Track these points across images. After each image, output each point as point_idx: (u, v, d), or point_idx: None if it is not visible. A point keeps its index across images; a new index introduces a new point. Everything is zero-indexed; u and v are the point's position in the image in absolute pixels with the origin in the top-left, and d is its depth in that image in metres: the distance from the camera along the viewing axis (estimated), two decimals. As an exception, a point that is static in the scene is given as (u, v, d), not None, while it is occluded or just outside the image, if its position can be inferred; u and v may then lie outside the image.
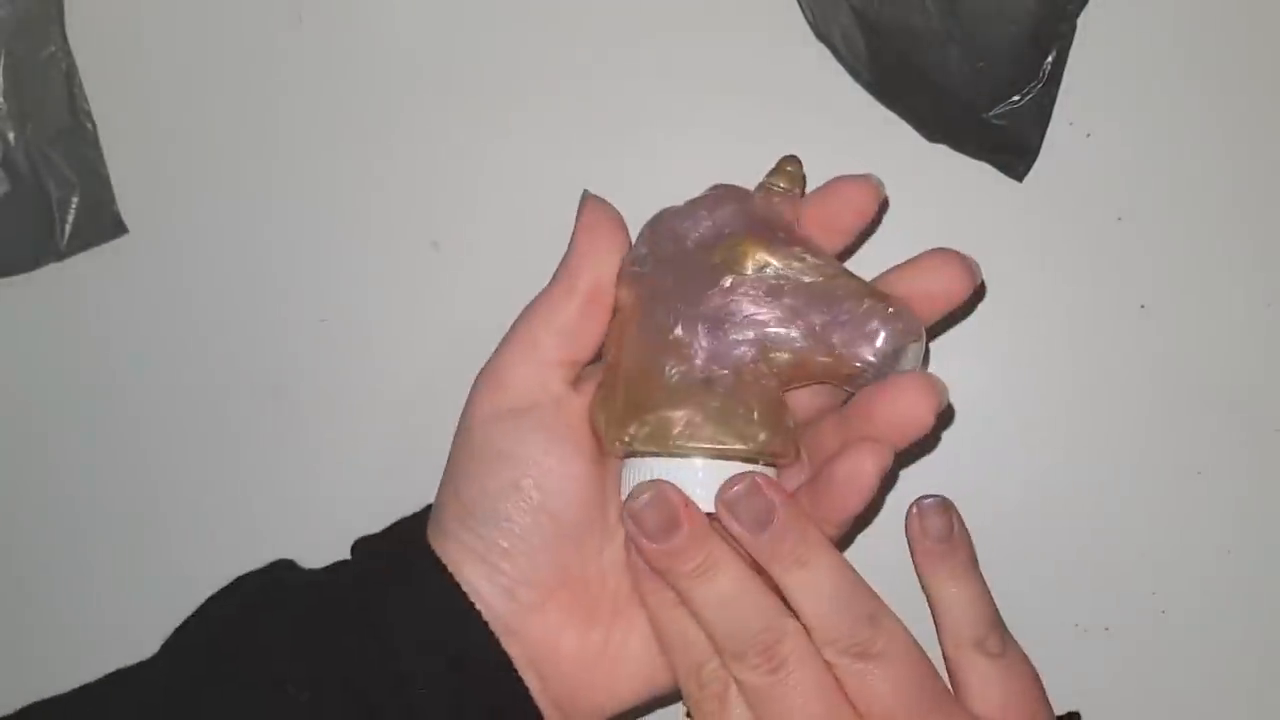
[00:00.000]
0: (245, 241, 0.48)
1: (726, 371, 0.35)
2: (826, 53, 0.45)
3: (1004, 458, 0.47)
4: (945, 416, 0.36)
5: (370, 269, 0.48)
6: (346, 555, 0.39)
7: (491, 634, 0.35)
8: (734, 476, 0.34)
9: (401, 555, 0.37)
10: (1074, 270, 0.46)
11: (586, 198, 0.38)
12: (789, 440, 0.35)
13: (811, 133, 0.46)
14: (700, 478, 0.34)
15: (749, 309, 0.35)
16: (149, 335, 0.49)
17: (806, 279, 0.35)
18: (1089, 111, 0.45)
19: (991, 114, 0.42)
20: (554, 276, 0.37)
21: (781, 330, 0.35)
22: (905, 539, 0.38)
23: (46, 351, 0.49)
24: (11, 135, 0.47)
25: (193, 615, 0.39)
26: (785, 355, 0.35)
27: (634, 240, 0.37)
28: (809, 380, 0.36)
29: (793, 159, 0.38)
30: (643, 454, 0.35)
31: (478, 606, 0.36)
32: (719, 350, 0.35)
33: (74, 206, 0.47)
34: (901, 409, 0.34)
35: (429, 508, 0.39)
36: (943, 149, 0.45)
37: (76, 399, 0.49)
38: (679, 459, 0.35)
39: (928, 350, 0.36)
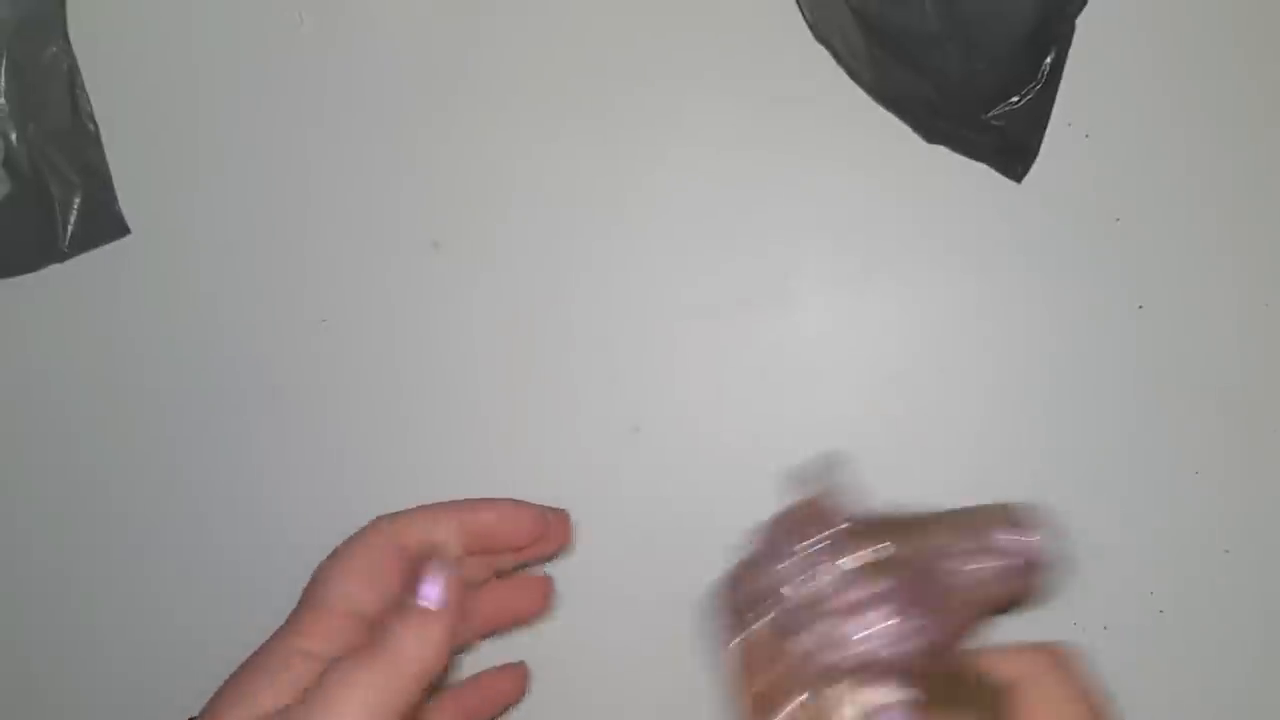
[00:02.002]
0: (246, 241, 0.48)
1: (917, 658, 0.33)
2: (826, 53, 0.45)
3: (1003, 457, 0.47)
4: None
5: (370, 269, 0.48)
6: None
7: None
8: None
9: None
10: (1072, 271, 0.46)
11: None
12: (993, 685, 0.34)
13: (811, 133, 0.46)
14: None
15: (918, 597, 0.33)
16: (150, 335, 0.49)
17: (924, 543, 0.34)
18: (1087, 112, 0.45)
19: (990, 115, 0.43)
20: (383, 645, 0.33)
21: (958, 580, 0.34)
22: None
23: (49, 352, 0.49)
24: (14, 136, 0.47)
25: None
26: (968, 602, 0.34)
27: (731, 602, 0.35)
28: (979, 618, 0.35)
29: (817, 464, 0.36)
30: None
31: None
32: (914, 643, 0.33)
33: (76, 207, 0.48)
34: None
35: None
36: (941, 150, 0.45)
37: (78, 399, 0.49)
38: None
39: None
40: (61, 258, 0.48)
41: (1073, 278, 0.46)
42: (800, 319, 0.47)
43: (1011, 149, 0.44)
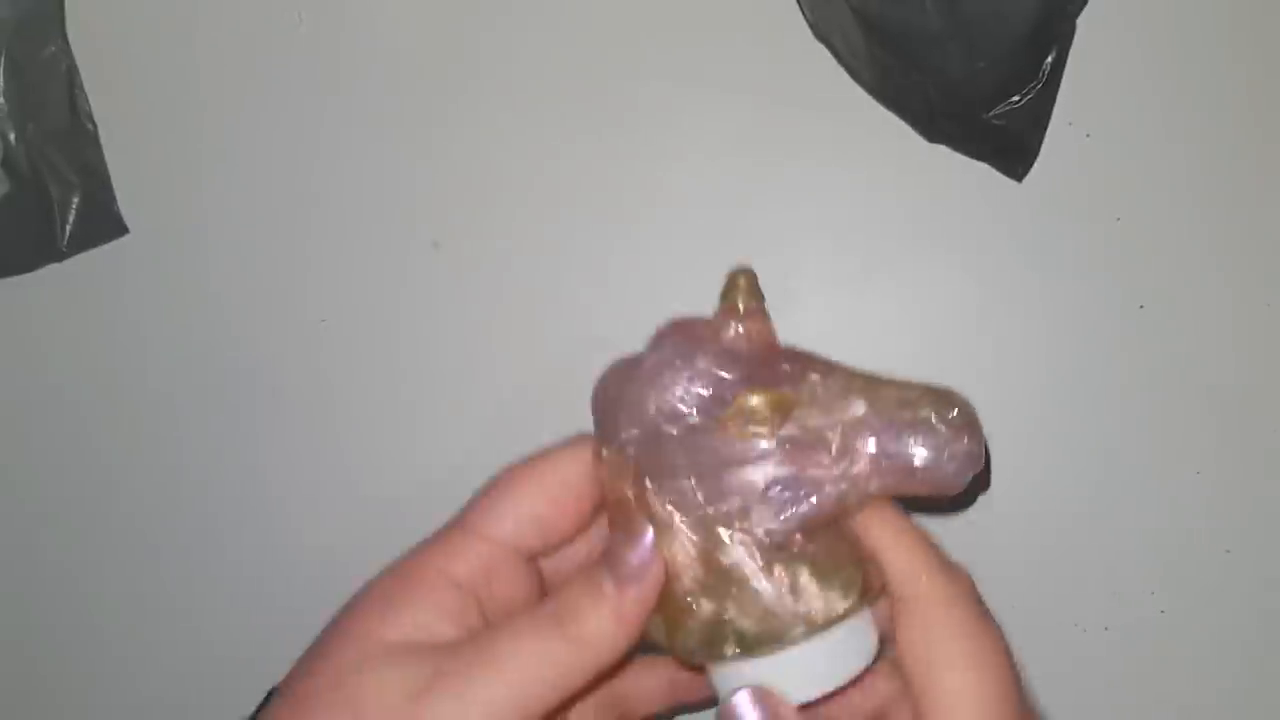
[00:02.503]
0: (245, 241, 0.48)
1: (795, 533, 0.31)
2: (826, 53, 0.45)
3: (1004, 457, 0.47)
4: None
5: (370, 269, 0.48)
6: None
7: None
8: None
9: None
10: (1073, 270, 0.46)
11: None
12: (873, 572, 0.32)
13: (811, 133, 0.46)
14: (805, 662, 0.31)
15: (802, 465, 0.31)
16: (149, 335, 0.49)
17: (840, 410, 0.31)
18: (1088, 112, 0.45)
19: (991, 114, 0.42)
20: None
21: (851, 475, 0.31)
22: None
23: (47, 351, 0.49)
24: (12, 135, 0.47)
25: None
26: (859, 493, 0.31)
27: (603, 407, 0.33)
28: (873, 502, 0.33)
29: (746, 272, 0.33)
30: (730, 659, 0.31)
31: None
32: (781, 514, 0.31)
33: (75, 207, 0.47)
34: None
35: None
36: (942, 149, 0.45)
37: (77, 399, 0.49)
38: (778, 653, 0.30)
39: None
40: (60, 257, 0.48)
41: (1073, 277, 0.46)
42: (800, 319, 0.47)
43: (1012, 148, 0.44)
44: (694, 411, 0.31)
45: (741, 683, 0.31)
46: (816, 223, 0.47)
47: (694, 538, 0.31)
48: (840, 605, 0.31)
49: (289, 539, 0.48)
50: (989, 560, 0.47)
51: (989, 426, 0.46)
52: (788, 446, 0.31)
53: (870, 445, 0.31)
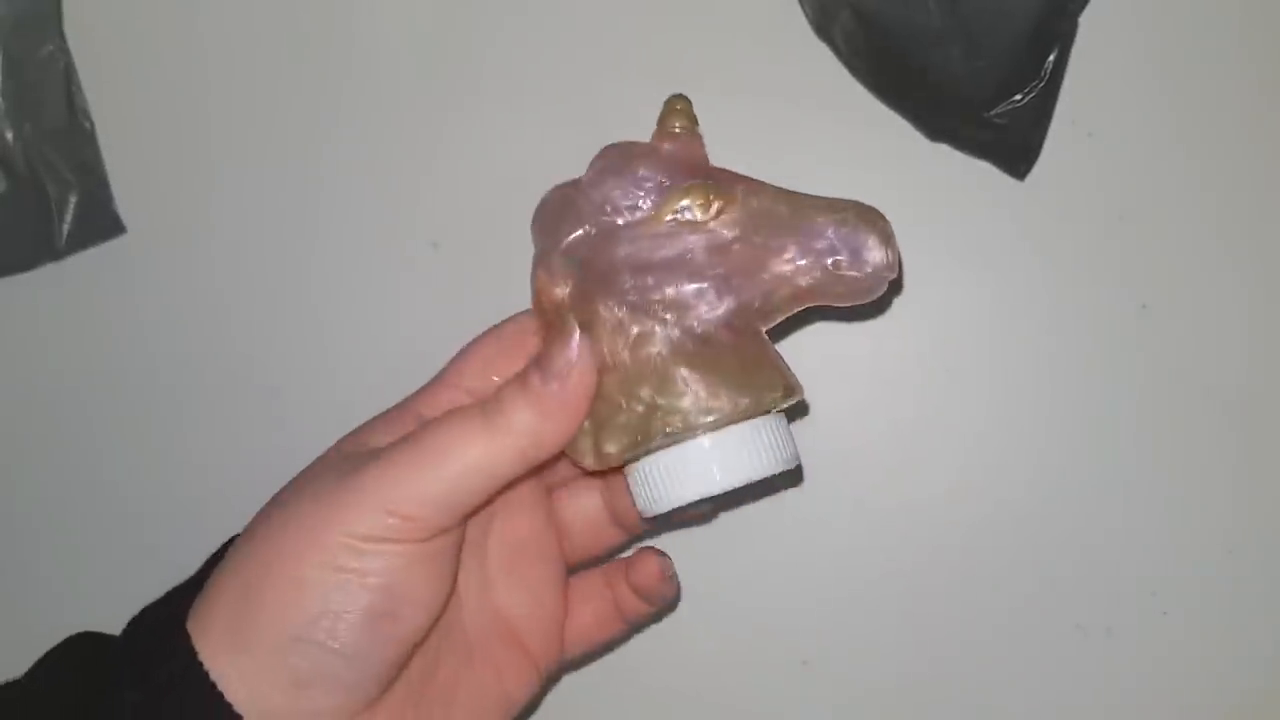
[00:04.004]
0: (244, 241, 0.48)
1: (723, 328, 0.33)
2: (826, 52, 0.45)
3: (1004, 457, 0.47)
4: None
5: (370, 269, 0.48)
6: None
7: None
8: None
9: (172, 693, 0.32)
10: (1075, 270, 0.46)
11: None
12: (790, 377, 0.34)
13: (812, 132, 0.46)
14: (714, 454, 0.33)
15: (733, 261, 0.33)
16: (147, 335, 0.49)
17: (769, 215, 0.33)
18: (1091, 111, 0.45)
19: (993, 113, 0.42)
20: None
21: (783, 268, 0.33)
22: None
23: (44, 351, 0.49)
24: (9, 134, 0.46)
25: None
26: (785, 291, 0.33)
27: (543, 221, 0.36)
28: (796, 308, 0.35)
29: (680, 97, 0.35)
30: (644, 454, 0.33)
31: None
32: (712, 308, 0.33)
33: (72, 205, 0.47)
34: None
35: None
36: (944, 148, 0.45)
37: (74, 399, 0.49)
38: (687, 443, 0.33)
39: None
40: (57, 256, 0.48)
41: (1076, 277, 0.46)
42: (800, 318, 0.47)
43: (1014, 147, 0.44)
44: (631, 213, 0.33)
45: (661, 475, 0.33)
46: (817, 222, 0.47)
47: (625, 333, 0.32)
48: (764, 398, 0.33)
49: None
50: (990, 561, 0.47)
51: (991, 425, 0.46)
52: (719, 244, 0.32)
53: (796, 247, 0.33)
